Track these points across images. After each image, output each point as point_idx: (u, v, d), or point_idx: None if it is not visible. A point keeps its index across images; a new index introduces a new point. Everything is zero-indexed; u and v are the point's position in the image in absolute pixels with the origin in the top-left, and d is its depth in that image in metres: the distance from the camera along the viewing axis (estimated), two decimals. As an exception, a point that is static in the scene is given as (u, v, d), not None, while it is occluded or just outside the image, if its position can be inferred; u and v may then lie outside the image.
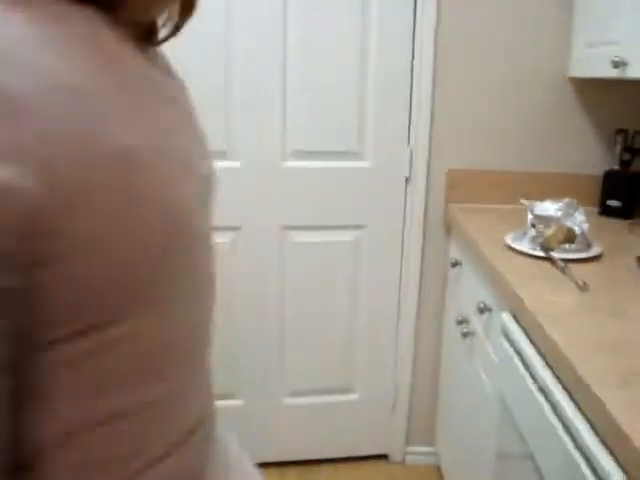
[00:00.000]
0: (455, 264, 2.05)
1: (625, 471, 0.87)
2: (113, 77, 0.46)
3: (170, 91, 0.58)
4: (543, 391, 1.16)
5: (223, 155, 2.08)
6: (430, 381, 2.38)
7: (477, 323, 1.78)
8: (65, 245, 0.40)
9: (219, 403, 1.92)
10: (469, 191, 2.19)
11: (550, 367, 1.16)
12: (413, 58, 2.10)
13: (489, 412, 1.59)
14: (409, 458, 2.46)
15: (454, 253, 2.14)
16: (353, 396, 2.40)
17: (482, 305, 1.65)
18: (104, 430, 0.48)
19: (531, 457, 1.21)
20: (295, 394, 2.38)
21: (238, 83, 2.06)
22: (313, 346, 2.33)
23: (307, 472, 2.40)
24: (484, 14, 2.10)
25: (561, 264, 1.50)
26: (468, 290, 1.92)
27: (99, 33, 0.47)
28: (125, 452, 0.50)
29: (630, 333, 1.16)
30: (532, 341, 1.28)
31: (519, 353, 1.32)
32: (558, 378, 1.12)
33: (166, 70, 0.62)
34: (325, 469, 2.42)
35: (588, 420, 0.99)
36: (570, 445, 1.01)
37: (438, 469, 2.37)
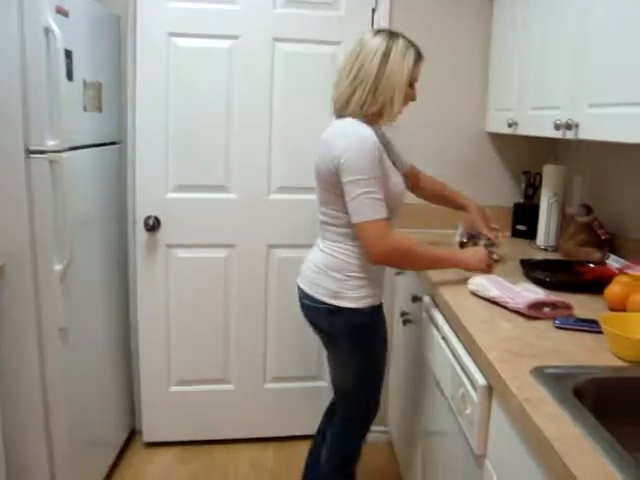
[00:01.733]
0: (399, 273, 2.68)
1: (483, 374, 1.48)
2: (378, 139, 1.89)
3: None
4: (445, 340, 1.79)
5: (224, 189, 2.75)
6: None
7: (411, 310, 2.41)
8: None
9: (213, 387, 2.70)
10: (412, 220, 2.79)
11: (448, 322, 1.80)
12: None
13: (421, 375, 2.21)
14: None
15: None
16: (322, 383, 3.00)
17: (414, 297, 2.29)
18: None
19: (437, 385, 1.83)
20: (274, 380, 3.00)
21: (236, 139, 2.74)
22: (291, 341, 2.96)
23: (285, 447, 3.00)
24: (425, 85, 2.77)
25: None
26: (406, 289, 2.56)
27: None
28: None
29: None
30: (441, 311, 1.91)
31: (432, 320, 1.96)
32: (452, 328, 1.75)
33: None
34: (301, 444, 2.99)
35: (466, 349, 1.61)
36: (457, 366, 1.64)
37: (390, 444, 2.96)
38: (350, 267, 1.94)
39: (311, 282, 2.01)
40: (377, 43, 1.91)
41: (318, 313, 2.00)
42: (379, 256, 1.85)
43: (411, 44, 1.95)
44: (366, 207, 1.80)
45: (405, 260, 1.94)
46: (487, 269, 2.04)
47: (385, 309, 2.09)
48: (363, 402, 2.13)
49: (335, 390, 2.24)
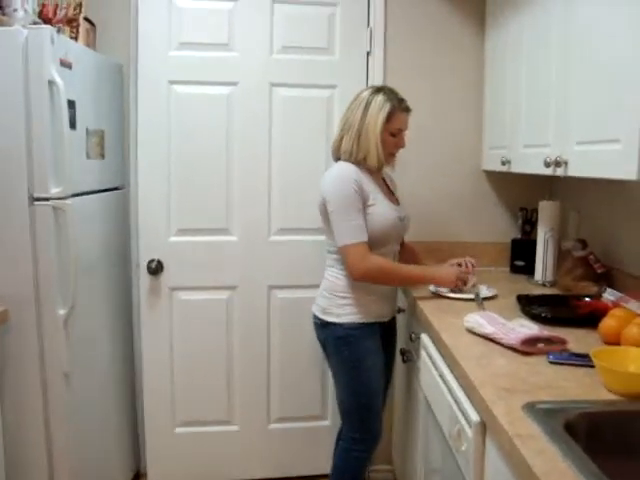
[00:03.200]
0: (399, 310, 2.70)
1: (477, 411, 1.50)
2: (367, 179, 2.19)
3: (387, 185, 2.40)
4: (442, 377, 1.81)
5: (225, 231, 2.80)
6: (388, 412, 2.98)
7: (411, 349, 2.42)
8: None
9: (218, 429, 2.67)
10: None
11: (445, 360, 1.82)
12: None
13: (420, 411, 2.21)
14: (371, 475, 3.03)
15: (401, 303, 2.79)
16: (326, 423, 3.00)
17: (413, 335, 2.31)
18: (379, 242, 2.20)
19: (436, 422, 1.84)
20: (278, 421, 3.00)
21: (236, 182, 2.79)
22: (294, 381, 2.97)
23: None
24: (422, 124, 2.84)
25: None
26: (404, 327, 2.58)
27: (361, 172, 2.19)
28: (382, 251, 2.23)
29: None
30: (438, 349, 1.93)
31: (430, 358, 1.98)
32: (448, 365, 1.77)
33: (388, 179, 2.45)
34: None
35: (461, 386, 1.63)
36: (453, 403, 1.65)
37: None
38: (337, 287, 2.27)
39: (315, 302, 2.36)
40: (363, 97, 2.23)
41: (316, 326, 2.36)
42: (358, 274, 2.17)
43: (391, 98, 2.19)
44: (346, 231, 2.14)
45: (381, 278, 2.22)
46: (459, 284, 2.28)
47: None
48: (358, 420, 2.32)
49: (338, 409, 2.43)
